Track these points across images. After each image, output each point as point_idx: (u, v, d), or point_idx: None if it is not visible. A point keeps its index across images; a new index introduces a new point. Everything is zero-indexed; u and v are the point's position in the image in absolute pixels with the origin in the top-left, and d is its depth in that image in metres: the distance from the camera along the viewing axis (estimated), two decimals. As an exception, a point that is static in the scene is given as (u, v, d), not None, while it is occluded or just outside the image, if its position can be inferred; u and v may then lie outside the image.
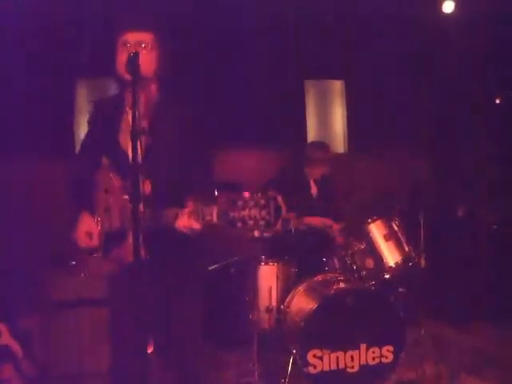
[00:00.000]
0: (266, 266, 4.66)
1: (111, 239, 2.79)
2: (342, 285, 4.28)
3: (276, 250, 4.85)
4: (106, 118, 2.91)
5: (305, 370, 4.00)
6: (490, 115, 6.50)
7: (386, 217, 4.61)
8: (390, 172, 6.23)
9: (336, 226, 5.03)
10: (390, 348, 4.10)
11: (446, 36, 6.18)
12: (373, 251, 4.52)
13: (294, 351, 4.10)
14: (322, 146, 5.35)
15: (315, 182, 5.26)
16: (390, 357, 4.10)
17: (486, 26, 5.98)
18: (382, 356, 4.09)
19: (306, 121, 6.65)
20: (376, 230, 4.56)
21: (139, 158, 2.35)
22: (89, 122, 3.02)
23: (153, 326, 2.75)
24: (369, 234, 4.55)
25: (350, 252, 4.60)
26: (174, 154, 2.82)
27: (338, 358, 4.02)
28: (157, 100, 2.91)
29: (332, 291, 4.17)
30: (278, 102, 6.18)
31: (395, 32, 6.12)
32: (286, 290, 4.56)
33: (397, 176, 6.01)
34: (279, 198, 2.32)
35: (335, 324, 4.07)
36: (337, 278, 4.44)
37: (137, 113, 2.40)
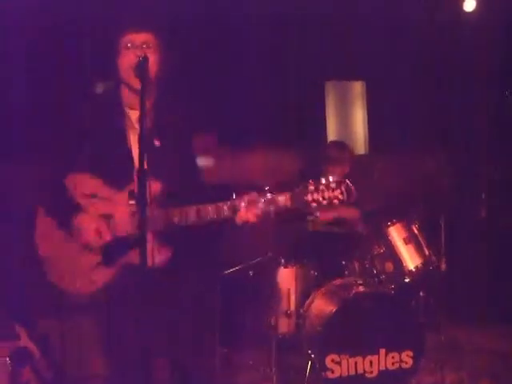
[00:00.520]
0: (285, 269, 4.63)
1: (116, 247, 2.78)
2: (361, 289, 4.22)
3: (296, 252, 4.82)
4: (101, 118, 2.86)
5: (323, 374, 3.96)
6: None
7: (405, 220, 4.55)
8: (410, 173, 6.15)
9: (357, 213, 4.98)
10: (410, 353, 4.03)
11: (468, 35, 6.09)
12: (392, 255, 4.46)
13: (312, 356, 4.06)
14: (342, 145, 5.33)
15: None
16: (410, 362, 4.03)
17: (508, 23, 5.88)
18: (401, 361, 4.03)
19: (326, 122, 6.60)
20: (396, 233, 4.50)
21: (145, 162, 2.33)
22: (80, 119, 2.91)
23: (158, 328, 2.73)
24: (388, 237, 4.49)
25: (369, 256, 4.54)
26: (181, 152, 2.84)
27: (356, 362, 3.97)
28: (159, 100, 2.89)
29: (351, 295, 4.12)
30: (298, 104, 6.14)
31: (416, 32, 6.04)
32: (305, 293, 4.53)
33: (418, 178, 5.93)
34: (348, 181, 2.55)
35: (354, 328, 4.01)
36: (356, 281, 4.39)
37: (145, 117, 2.38)
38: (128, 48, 2.75)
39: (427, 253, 4.49)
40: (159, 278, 2.67)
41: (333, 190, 2.54)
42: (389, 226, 4.52)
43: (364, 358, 3.98)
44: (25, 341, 3.91)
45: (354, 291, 4.16)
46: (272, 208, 2.63)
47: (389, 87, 6.24)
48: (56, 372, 4.09)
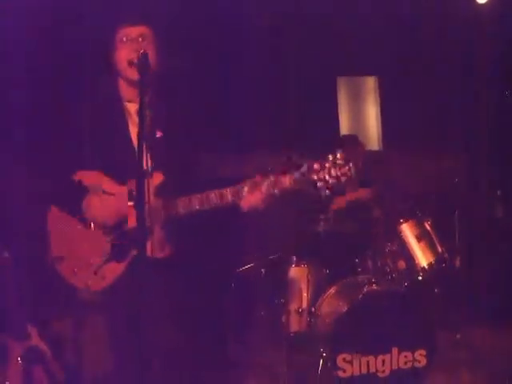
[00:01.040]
0: (297, 268, 4.61)
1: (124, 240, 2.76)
2: (373, 287, 4.17)
3: (308, 250, 4.79)
4: (101, 113, 2.84)
5: (334, 373, 3.91)
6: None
7: (418, 216, 4.50)
8: (424, 170, 6.09)
9: (371, 194, 4.95)
10: (423, 352, 3.96)
11: (482, 27, 6.00)
12: (405, 252, 4.41)
13: (324, 354, 4.02)
14: (354, 139, 5.30)
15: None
16: (424, 361, 3.97)
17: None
18: (414, 360, 3.97)
19: (338, 118, 6.56)
20: (408, 230, 4.46)
21: (144, 162, 2.30)
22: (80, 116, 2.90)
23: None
24: (400, 234, 4.44)
25: (381, 253, 4.49)
26: (182, 144, 2.82)
27: (368, 362, 3.92)
28: (158, 92, 2.85)
29: (363, 293, 4.07)
30: (310, 100, 6.11)
31: (428, 26, 5.97)
32: (316, 291, 4.51)
33: (432, 174, 5.86)
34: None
35: (366, 327, 3.96)
36: (368, 279, 4.34)
37: (147, 114, 2.35)
38: (124, 42, 2.74)
39: (440, 250, 4.43)
40: (164, 270, 2.68)
41: (340, 167, 2.44)
42: (401, 223, 4.47)
43: (376, 357, 3.92)
44: (36, 340, 3.91)
45: (366, 290, 4.11)
46: (276, 191, 2.56)
47: (401, 82, 6.19)
48: (68, 372, 4.09)
